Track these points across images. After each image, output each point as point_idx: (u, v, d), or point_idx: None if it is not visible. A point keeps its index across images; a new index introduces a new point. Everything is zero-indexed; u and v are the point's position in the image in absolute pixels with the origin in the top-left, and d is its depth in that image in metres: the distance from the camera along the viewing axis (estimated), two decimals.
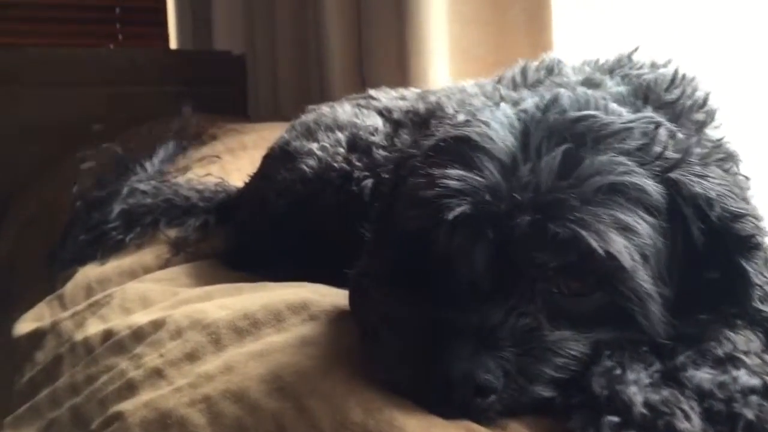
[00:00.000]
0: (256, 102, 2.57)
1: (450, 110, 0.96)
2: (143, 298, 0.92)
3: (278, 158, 1.09)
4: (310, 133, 1.07)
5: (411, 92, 1.13)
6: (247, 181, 1.22)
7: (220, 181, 1.28)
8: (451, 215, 0.61)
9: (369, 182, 0.98)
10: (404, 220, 0.66)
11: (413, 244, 0.65)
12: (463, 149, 0.65)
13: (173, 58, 2.96)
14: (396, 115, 1.06)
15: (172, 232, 1.19)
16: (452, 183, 0.62)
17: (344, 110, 1.09)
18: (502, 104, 0.71)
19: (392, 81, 1.67)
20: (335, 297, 0.78)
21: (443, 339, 0.60)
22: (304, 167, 1.02)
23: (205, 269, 1.05)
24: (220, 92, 2.65)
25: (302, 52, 2.17)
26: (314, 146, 1.04)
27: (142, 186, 1.26)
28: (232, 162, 1.41)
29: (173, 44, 3.27)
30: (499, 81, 1.01)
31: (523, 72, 0.98)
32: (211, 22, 2.94)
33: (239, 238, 1.10)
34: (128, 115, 2.31)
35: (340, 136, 1.04)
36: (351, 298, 0.74)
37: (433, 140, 0.69)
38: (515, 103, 0.71)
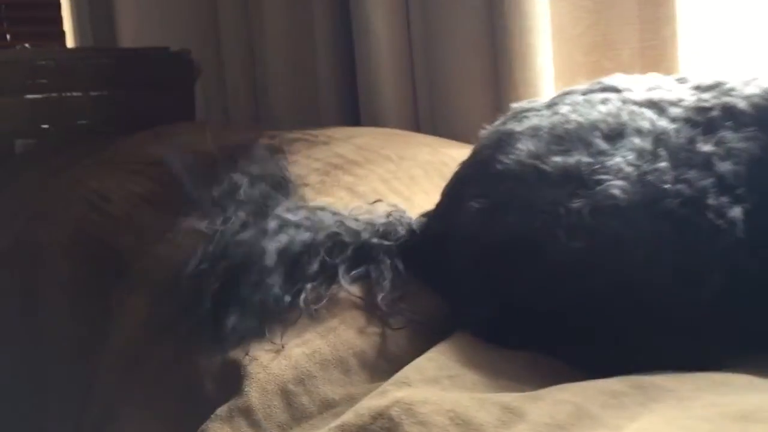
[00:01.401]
0: (205, 105, 2.26)
1: None
2: (463, 423, 0.57)
3: (532, 180, 0.77)
4: (574, 142, 0.76)
5: (671, 81, 0.84)
6: (435, 210, 0.89)
7: (393, 209, 0.93)
8: None
9: (737, 211, 0.69)
10: None
11: None
12: None
13: (104, 57, 2.51)
14: (679, 113, 0.77)
15: (354, 288, 0.83)
16: None
17: (606, 110, 0.79)
18: None
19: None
20: None
21: None
22: (614, 191, 0.71)
23: (480, 353, 0.71)
24: (162, 95, 2.28)
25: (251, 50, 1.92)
26: (617, 161, 0.73)
27: (291, 216, 0.89)
28: (355, 182, 1.06)
29: (70, 42, 2.86)
30: None
31: None
32: (113, 16, 2.61)
33: (497, 300, 0.77)
34: (62, 127, 1.99)
35: (645, 144, 0.74)
36: None
37: None
38: None
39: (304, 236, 0.85)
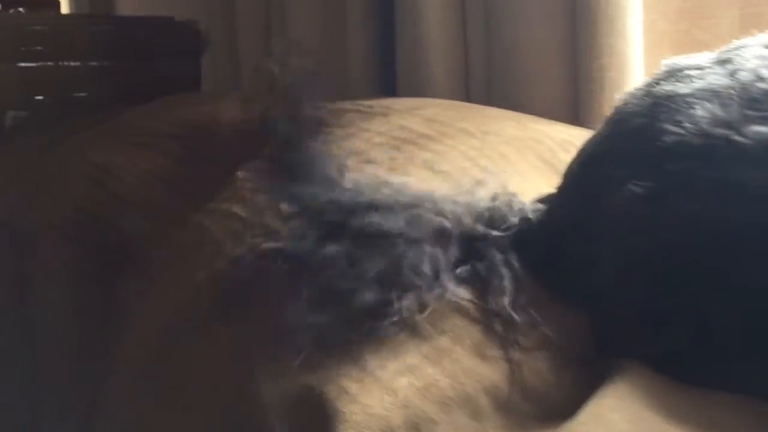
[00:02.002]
0: (215, 80, 2.07)
1: None
2: None
3: (723, 156, 0.57)
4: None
5: None
6: (562, 196, 0.69)
7: (501, 190, 0.72)
8: None
9: None
10: None
11: None
12: None
13: (104, 24, 2.35)
14: None
15: (463, 292, 0.63)
16: None
17: None
18: None
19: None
20: None
21: None
22: None
23: (681, 397, 0.51)
24: (169, 65, 2.10)
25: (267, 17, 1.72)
26: None
27: (363, 195, 0.68)
28: (435, 159, 0.85)
29: (64, 8, 2.66)
30: None
31: None
32: None
33: (685, 323, 0.56)
34: (59, 98, 1.84)
35: None
36: None
37: None
38: None
39: (398, 222, 0.65)
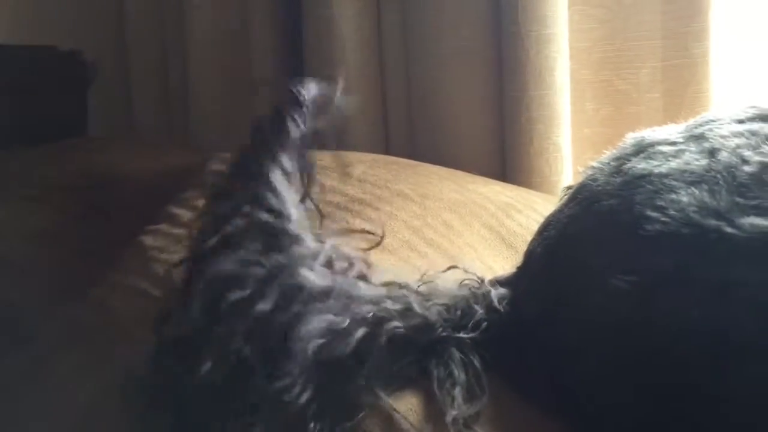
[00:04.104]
0: (104, 116, 1.92)
1: None
2: None
3: (717, 250, 0.52)
4: None
5: None
6: (526, 282, 0.62)
7: (469, 278, 0.65)
8: None
9: None
10: None
11: None
12: None
13: None
14: None
15: (407, 404, 0.56)
16: None
17: None
18: None
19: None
20: None
21: None
22: None
23: None
24: (51, 100, 1.93)
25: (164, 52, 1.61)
26: None
27: (318, 281, 0.59)
28: (391, 226, 0.77)
29: None
30: None
31: None
32: None
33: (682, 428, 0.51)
34: None
35: None
36: None
37: None
38: None
39: (358, 332, 0.57)
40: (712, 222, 0.53)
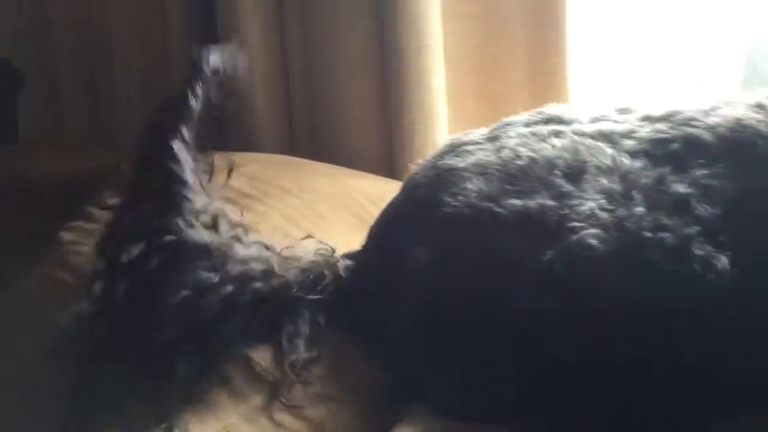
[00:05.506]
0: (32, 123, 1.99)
1: None
2: None
3: (487, 225, 0.68)
4: (532, 182, 0.68)
5: (614, 111, 0.78)
6: (365, 255, 0.78)
7: (322, 248, 0.80)
8: None
9: (724, 261, 0.63)
10: None
11: None
12: None
13: None
14: (632, 145, 0.71)
15: (262, 353, 0.70)
16: None
17: (560, 144, 0.71)
18: None
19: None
20: None
21: None
22: (591, 241, 0.63)
23: None
24: None
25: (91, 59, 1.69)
26: (590, 206, 0.65)
27: (204, 240, 0.73)
28: (256, 221, 0.92)
29: None
30: None
31: None
32: None
33: (456, 367, 0.66)
34: None
35: (613, 185, 0.67)
36: None
37: None
38: None
39: (225, 289, 0.71)
40: (485, 204, 0.68)
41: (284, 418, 0.64)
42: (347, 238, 0.92)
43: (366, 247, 0.80)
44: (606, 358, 0.62)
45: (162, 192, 0.74)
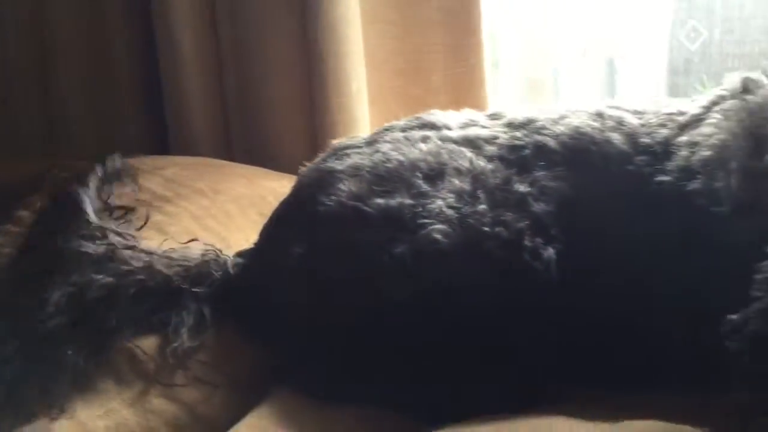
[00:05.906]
0: None
1: None
2: None
3: (353, 223, 0.74)
4: (396, 183, 0.75)
5: (485, 118, 0.85)
6: (254, 252, 0.84)
7: (209, 249, 0.87)
8: None
9: (551, 252, 0.70)
10: None
11: None
12: None
13: None
14: (494, 151, 0.78)
15: (150, 342, 0.77)
16: None
17: (426, 148, 0.78)
18: None
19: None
20: None
21: None
22: (436, 236, 0.70)
23: (306, 413, 0.67)
24: None
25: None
26: (439, 204, 0.72)
27: (90, 249, 0.81)
28: (165, 221, 0.98)
29: None
30: None
31: None
32: None
33: (321, 353, 0.73)
34: None
35: (464, 185, 0.74)
36: None
37: None
38: None
39: (106, 280, 0.78)
40: (353, 203, 0.75)
41: (159, 401, 0.71)
42: (250, 236, 0.98)
43: (256, 245, 0.86)
44: (449, 339, 0.69)
45: (59, 214, 0.81)
